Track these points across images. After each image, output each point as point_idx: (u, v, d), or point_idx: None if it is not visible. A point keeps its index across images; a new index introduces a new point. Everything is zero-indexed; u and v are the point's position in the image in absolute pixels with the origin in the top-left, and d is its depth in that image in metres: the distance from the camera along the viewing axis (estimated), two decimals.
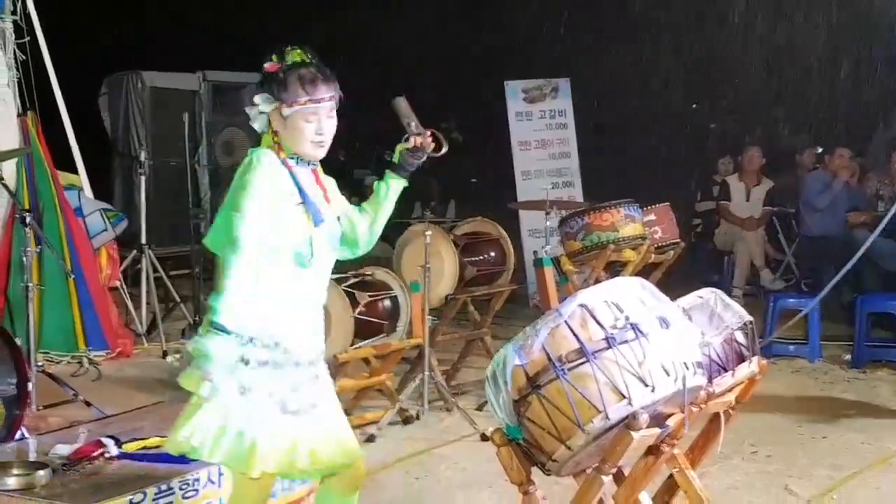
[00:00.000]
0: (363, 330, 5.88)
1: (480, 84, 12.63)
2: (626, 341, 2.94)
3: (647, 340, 2.95)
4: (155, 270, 8.59)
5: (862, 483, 5.03)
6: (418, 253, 6.24)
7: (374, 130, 14.40)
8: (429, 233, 6.11)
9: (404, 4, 13.66)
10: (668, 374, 2.95)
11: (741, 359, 3.48)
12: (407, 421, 5.98)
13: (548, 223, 6.87)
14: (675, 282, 5.67)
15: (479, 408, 6.22)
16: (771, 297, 8.16)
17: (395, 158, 3.23)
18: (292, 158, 3.06)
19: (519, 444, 3.09)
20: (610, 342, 2.94)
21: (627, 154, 13.10)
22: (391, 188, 3.23)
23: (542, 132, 10.42)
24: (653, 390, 2.92)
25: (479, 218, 7.33)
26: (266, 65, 3.08)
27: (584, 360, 2.92)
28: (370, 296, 5.94)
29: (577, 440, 2.93)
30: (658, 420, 3.04)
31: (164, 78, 11.08)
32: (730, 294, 4.72)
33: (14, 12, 7.36)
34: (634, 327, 2.96)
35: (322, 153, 3.11)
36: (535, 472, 3.18)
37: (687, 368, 3.00)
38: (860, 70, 12.34)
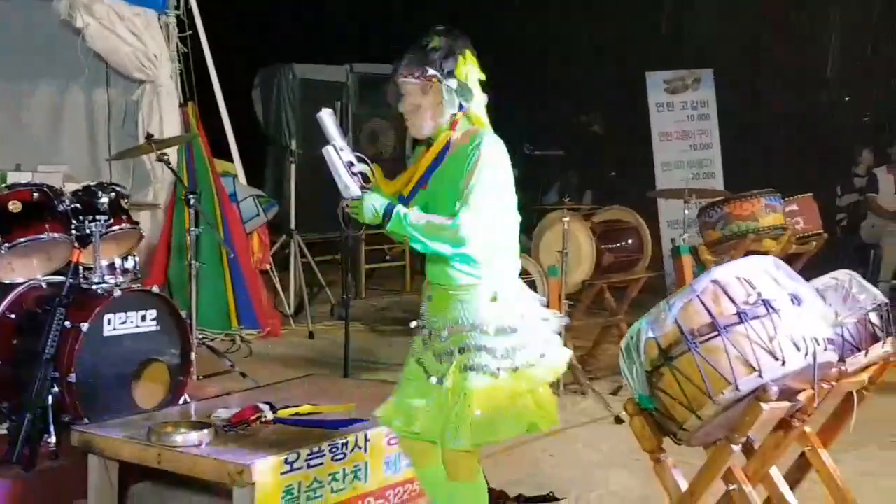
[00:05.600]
0: None
1: (622, 76, 12.63)
2: (757, 317, 3.02)
3: (779, 316, 3.03)
4: (302, 255, 8.98)
5: None
6: (556, 238, 6.38)
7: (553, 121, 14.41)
8: (566, 219, 6.25)
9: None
10: (798, 349, 3.01)
11: (875, 340, 3.50)
12: None
13: (686, 212, 6.91)
14: (818, 275, 5.61)
15: (614, 392, 6.33)
16: None
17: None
18: None
19: (651, 415, 3.20)
20: (741, 317, 3.03)
21: (770, 146, 12.87)
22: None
23: (683, 123, 10.43)
24: (783, 364, 2.99)
25: (618, 206, 7.41)
26: None
27: (715, 333, 3.02)
28: None
29: (708, 410, 3.03)
30: (788, 394, 3.11)
31: (313, 70, 11.52)
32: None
33: (177, 7, 7.81)
34: (766, 303, 3.04)
35: (414, 131, 3.29)
36: (667, 443, 3.29)
37: (818, 344, 3.06)
38: None
